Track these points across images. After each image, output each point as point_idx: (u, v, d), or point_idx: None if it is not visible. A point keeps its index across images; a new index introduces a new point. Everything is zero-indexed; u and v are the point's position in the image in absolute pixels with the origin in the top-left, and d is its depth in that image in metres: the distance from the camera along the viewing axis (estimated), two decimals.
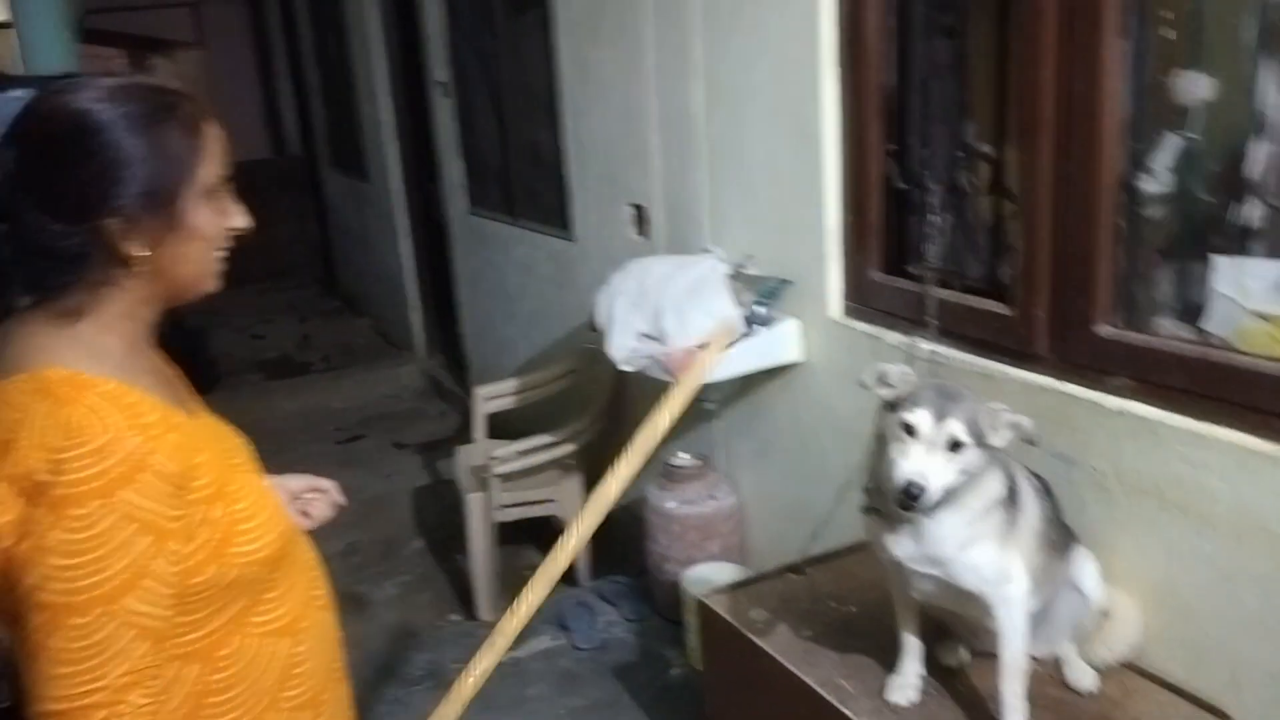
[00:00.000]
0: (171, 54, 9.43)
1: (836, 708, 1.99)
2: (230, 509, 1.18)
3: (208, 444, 1.20)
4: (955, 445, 1.67)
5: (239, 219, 1.25)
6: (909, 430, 1.68)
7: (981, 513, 1.77)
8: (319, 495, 1.53)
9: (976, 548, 1.77)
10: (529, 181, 4.49)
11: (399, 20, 5.69)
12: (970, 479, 1.72)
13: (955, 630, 2.08)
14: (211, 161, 1.20)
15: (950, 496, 1.72)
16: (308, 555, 1.37)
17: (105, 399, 1.09)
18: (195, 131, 1.18)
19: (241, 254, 1.28)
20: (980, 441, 1.69)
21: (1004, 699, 1.82)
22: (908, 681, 2.00)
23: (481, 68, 4.69)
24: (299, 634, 1.29)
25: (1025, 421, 1.72)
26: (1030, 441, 1.72)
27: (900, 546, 1.81)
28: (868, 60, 2.48)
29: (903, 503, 1.67)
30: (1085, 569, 1.98)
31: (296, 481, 1.53)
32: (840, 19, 2.52)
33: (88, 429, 1.05)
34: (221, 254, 1.24)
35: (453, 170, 5.16)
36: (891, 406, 1.75)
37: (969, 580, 1.79)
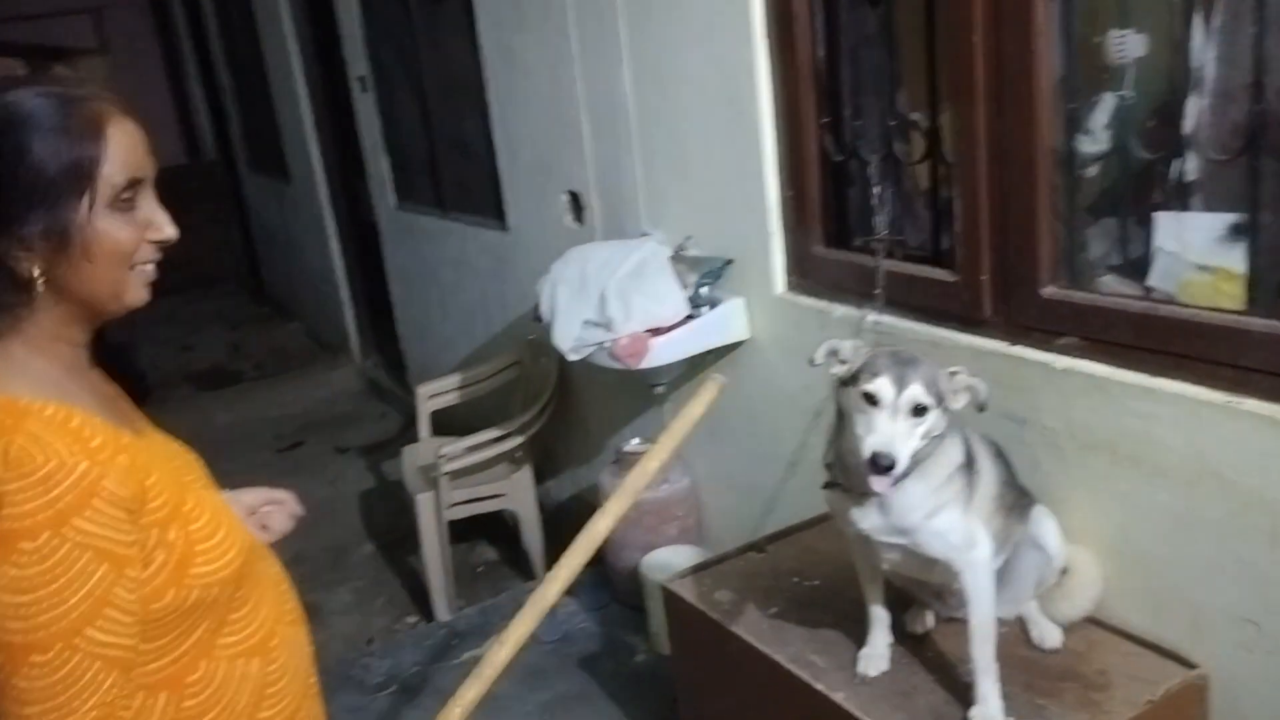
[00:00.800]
0: (74, 61, 9.13)
1: (809, 684, 2.00)
2: (187, 529, 1.12)
3: (158, 463, 1.14)
4: (919, 410, 1.66)
5: (164, 229, 1.15)
6: (871, 400, 1.67)
7: (944, 480, 1.78)
8: (277, 507, 1.48)
9: (941, 515, 1.78)
10: (458, 174, 4.42)
11: (313, 15, 5.56)
12: (932, 445, 1.73)
13: (921, 597, 2.09)
14: (119, 167, 1.09)
15: (913, 465, 1.71)
16: (273, 570, 1.33)
17: (47, 425, 1.03)
18: (96, 135, 1.07)
19: (163, 264, 1.19)
20: (941, 403, 1.69)
21: (975, 661, 1.83)
22: (877, 652, 2.01)
23: (402, 60, 4.60)
24: (270, 652, 1.24)
25: (979, 384, 1.72)
26: (981, 407, 1.73)
27: (867, 519, 1.81)
28: (797, 32, 2.46)
29: (873, 475, 1.64)
30: (1045, 526, 2.00)
31: (252, 495, 1.48)
32: None
33: (31, 458, 0.99)
34: (146, 266, 1.15)
35: (378, 166, 5.06)
36: (849, 380, 1.74)
37: (935, 547, 1.80)
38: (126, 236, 1.11)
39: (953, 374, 1.72)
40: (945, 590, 1.99)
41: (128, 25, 9.31)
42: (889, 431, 1.65)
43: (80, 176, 1.06)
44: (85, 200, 1.07)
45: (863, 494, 1.77)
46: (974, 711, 1.82)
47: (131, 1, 9.32)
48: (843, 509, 1.85)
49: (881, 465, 1.63)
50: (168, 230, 1.15)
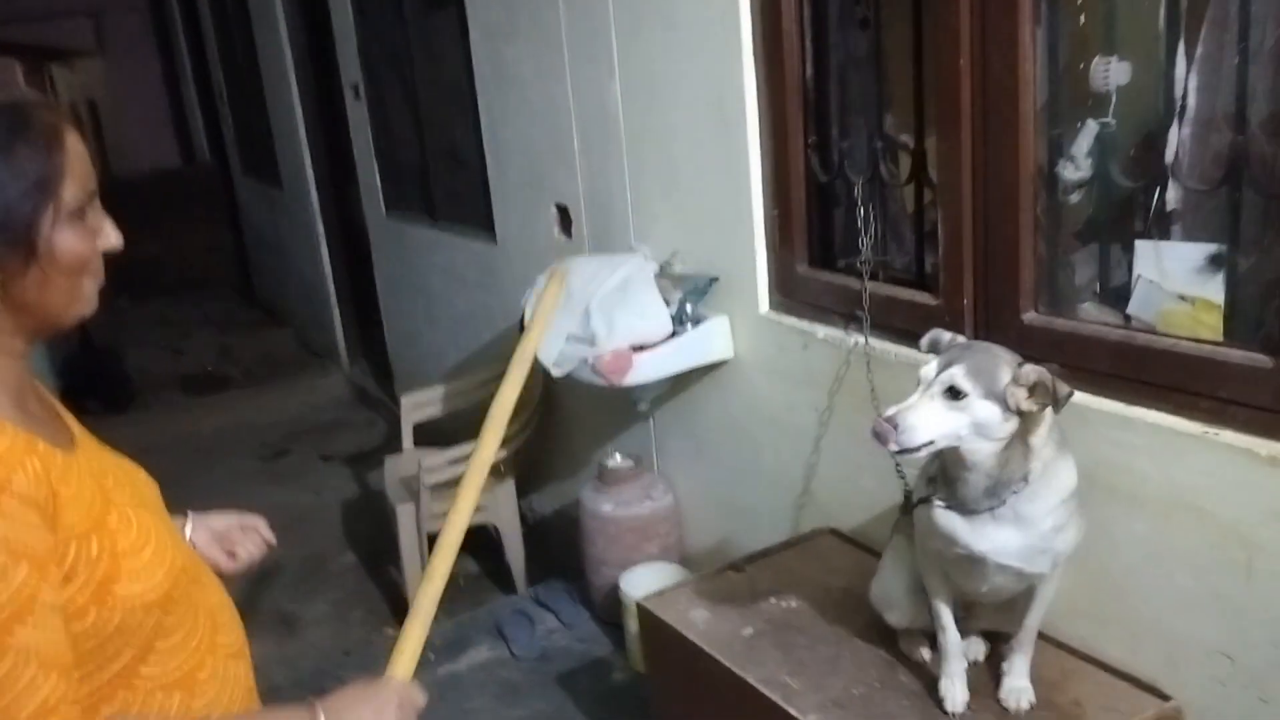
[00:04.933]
0: (71, 63, 9.13)
1: (781, 706, 1.98)
2: (111, 545, 1.08)
3: (80, 477, 1.09)
4: (954, 393, 1.60)
5: (110, 238, 1.13)
6: (919, 381, 1.64)
7: (1063, 503, 1.72)
8: (247, 533, 1.45)
9: (1063, 534, 1.74)
10: (449, 184, 4.41)
11: (308, 23, 5.56)
12: (1013, 451, 1.64)
13: (973, 613, 2.03)
14: (75, 180, 1.07)
15: (1018, 481, 1.65)
16: (214, 598, 1.27)
17: None
18: (55, 148, 1.06)
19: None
20: (999, 399, 1.60)
21: (1021, 641, 1.90)
22: (959, 687, 1.93)
23: (395, 69, 4.60)
24: (195, 687, 1.18)
25: (1046, 375, 1.58)
26: (1057, 402, 1.59)
27: (986, 540, 1.72)
28: (786, 51, 2.46)
29: (877, 438, 1.60)
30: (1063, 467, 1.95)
31: (220, 520, 1.44)
32: (757, 10, 2.50)
33: None
34: (96, 276, 1.14)
35: (370, 174, 5.05)
36: None
37: (1046, 566, 1.76)
38: (86, 248, 1.10)
39: (1020, 365, 1.62)
40: (1001, 606, 1.96)
41: (126, 28, 9.33)
42: (909, 403, 1.61)
43: (43, 192, 1.05)
44: (49, 214, 1.06)
45: (977, 510, 1.70)
46: (1007, 682, 1.91)
47: (130, 5, 9.33)
48: (945, 529, 1.76)
49: (876, 430, 1.59)
50: (114, 239, 1.14)
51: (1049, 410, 1.63)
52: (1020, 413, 1.61)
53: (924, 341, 1.79)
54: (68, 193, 1.07)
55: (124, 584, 1.08)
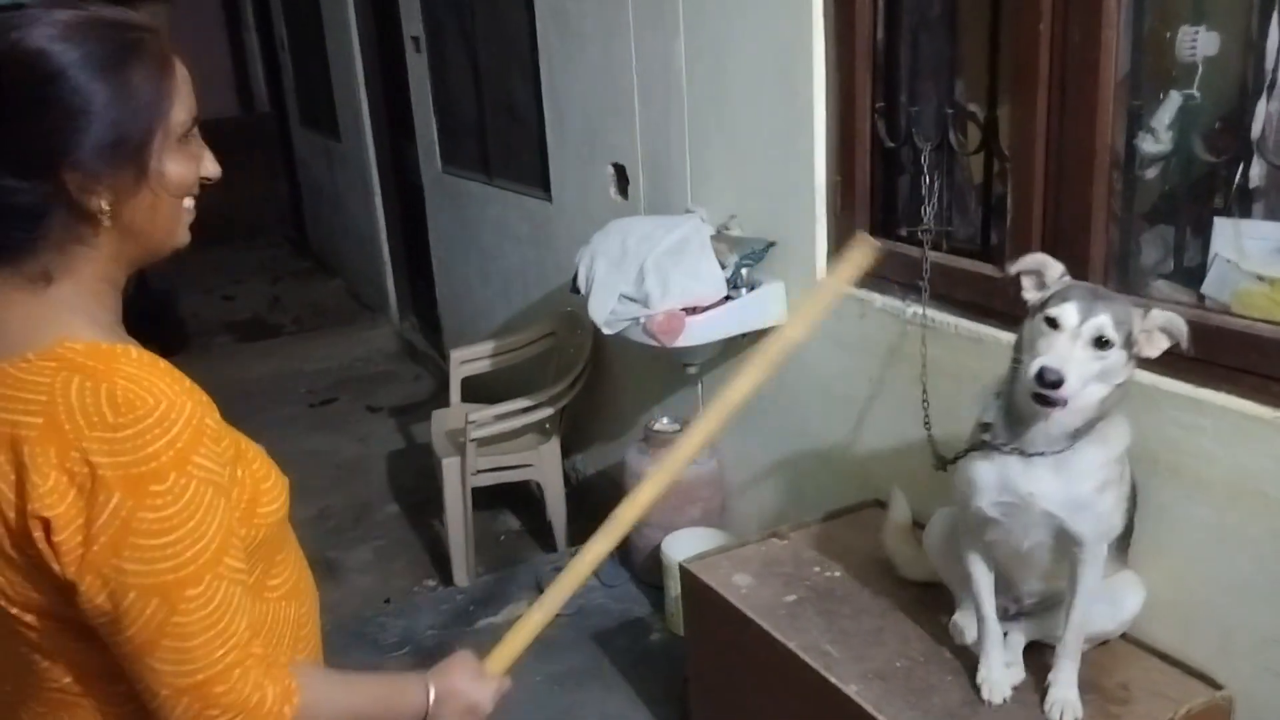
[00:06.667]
0: (135, 5, 9.18)
1: (821, 674, 1.97)
2: (249, 469, 1.13)
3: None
4: (1101, 342, 1.58)
5: (209, 166, 1.15)
6: (1053, 324, 1.60)
7: (1119, 455, 1.71)
8: None
9: (1109, 492, 1.71)
10: (505, 140, 4.40)
11: None
12: (1113, 397, 1.64)
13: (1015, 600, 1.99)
14: (182, 104, 1.09)
15: (1094, 427, 1.65)
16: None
17: (140, 366, 1.02)
18: (166, 72, 1.07)
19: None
20: (1129, 345, 1.60)
21: (1065, 644, 1.81)
22: (996, 675, 1.87)
23: (457, 21, 4.58)
24: (300, 596, 1.24)
25: (1178, 321, 1.60)
26: (1184, 347, 1.61)
27: (1034, 483, 1.71)
28: (857, 12, 2.41)
29: (1038, 395, 1.57)
30: (1131, 592, 1.91)
31: None
32: None
33: (142, 401, 0.99)
34: (191, 205, 1.15)
35: (427, 128, 5.05)
36: (1037, 309, 1.66)
37: (1087, 527, 1.71)
38: (190, 172, 1.11)
39: (1147, 312, 1.62)
40: (1033, 592, 1.93)
41: None
42: (1065, 353, 1.56)
43: (154, 113, 1.06)
44: (160, 135, 1.07)
45: (1044, 453, 1.69)
46: (1052, 693, 1.81)
47: None
48: (999, 476, 1.74)
49: (1048, 380, 1.54)
50: (213, 168, 1.15)
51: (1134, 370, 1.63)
52: (1141, 358, 1.62)
53: (1029, 262, 1.73)
54: (175, 117, 1.08)
55: (264, 504, 1.14)
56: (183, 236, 1.15)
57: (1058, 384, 1.54)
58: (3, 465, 1.00)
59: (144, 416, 0.98)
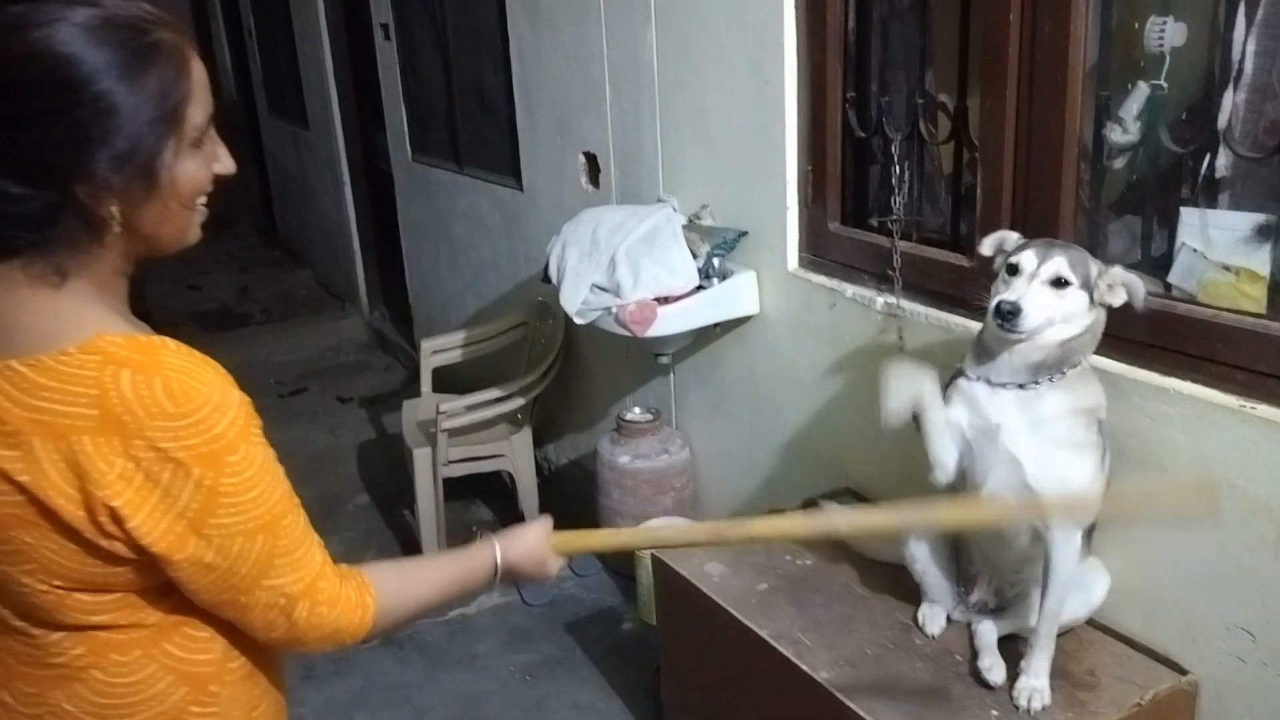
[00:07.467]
0: None
1: (793, 662, 1.98)
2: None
3: None
4: (1059, 282, 1.68)
5: (225, 163, 1.13)
6: (1013, 270, 1.72)
7: (1086, 412, 1.75)
8: None
9: (1081, 460, 1.74)
10: (476, 129, 4.37)
11: None
12: (1077, 342, 1.72)
13: (979, 579, 2.04)
14: (198, 106, 1.06)
15: (1060, 371, 1.73)
16: None
17: (182, 357, 1.04)
18: (182, 74, 1.05)
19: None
20: (1088, 288, 1.69)
21: (1038, 634, 1.83)
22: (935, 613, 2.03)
23: (426, 9, 4.54)
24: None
25: (1136, 281, 1.69)
26: (1137, 305, 1.70)
27: (1000, 413, 1.77)
28: (828, 3, 2.41)
29: (1000, 326, 1.68)
30: (1098, 579, 1.95)
31: None
32: None
33: (194, 393, 1.02)
34: (204, 203, 1.13)
35: (396, 116, 5.01)
36: (1002, 266, 1.78)
37: (1048, 486, 1.73)
38: (203, 174, 1.10)
39: (1109, 268, 1.72)
40: (1007, 573, 1.98)
41: None
42: (1022, 290, 1.68)
43: (171, 118, 1.04)
44: (173, 141, 1.04)
45: (996, 384, 1.77)
46: (1022, 680, 1.83)
47: None
48: (968, 401, 1.82)
49: (1004, 310, 1.66)
50: (229, 164, 1.14)
51: (1102, 322, 1.74)
52: (1102, 305, 1.72)
53: (988, 245, 1.85)
54: (191, 121, 1.06)
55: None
56: (194, 235, 1.14)
57: (1014, 314, 1.66)
58: (51, 454, 1.01)
59: (202, 405, 1.02)
